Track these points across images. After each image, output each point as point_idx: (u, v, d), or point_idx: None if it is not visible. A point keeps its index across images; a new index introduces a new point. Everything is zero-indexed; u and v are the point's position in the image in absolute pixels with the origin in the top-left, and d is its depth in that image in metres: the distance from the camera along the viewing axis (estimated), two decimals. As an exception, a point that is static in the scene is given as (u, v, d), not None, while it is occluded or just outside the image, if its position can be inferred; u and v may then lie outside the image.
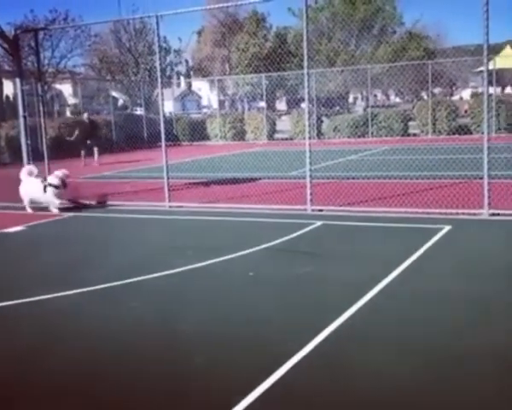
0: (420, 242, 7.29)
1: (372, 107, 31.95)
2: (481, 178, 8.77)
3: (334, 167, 15.97)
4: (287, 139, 28.15)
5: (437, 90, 35.89)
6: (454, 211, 8.92)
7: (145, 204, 11.16)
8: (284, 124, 32.27)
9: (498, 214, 8.61)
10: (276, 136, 30.21)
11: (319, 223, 8.82)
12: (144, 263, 7.13)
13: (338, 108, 31.67)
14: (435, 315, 4.99)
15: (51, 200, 10.83)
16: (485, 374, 3.92)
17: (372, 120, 26.57)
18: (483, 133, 8.94)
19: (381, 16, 36.27)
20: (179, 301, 5.71)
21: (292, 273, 6.42)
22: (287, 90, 33.81)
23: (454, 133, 24.58)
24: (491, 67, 28.13)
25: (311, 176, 9.79)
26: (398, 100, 49.91)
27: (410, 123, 27.20)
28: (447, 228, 8.02)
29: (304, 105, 9.75)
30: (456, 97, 42.05)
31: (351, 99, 43.27)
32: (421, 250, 6.97)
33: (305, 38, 9.69)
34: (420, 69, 26.56)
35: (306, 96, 9.95)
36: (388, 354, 4.31)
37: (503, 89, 42.78)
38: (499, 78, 29.85)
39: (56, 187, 10.81)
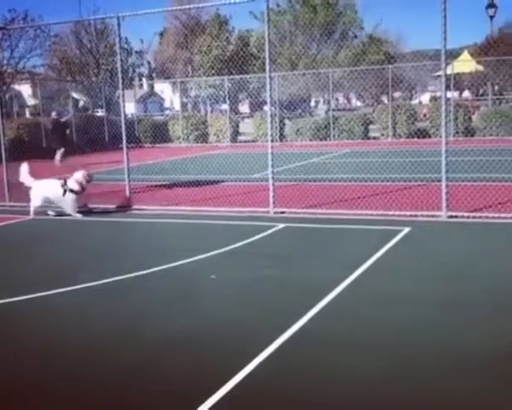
0: (380, 243, 7.40)
1: (334, 110, 32.28)
2: (439, 181, 8.95)
3: (296, 170, 16.08)
4: (250, 142, 28.21)
5: (397, 94, 36.46)
6: (413, 213, 9.08)
7: (106, 207, 11.03)
8: (247, 126, 32.34)
9: (456, 216, 8.79)
10: (240, 138, 30.26)
11: (281, 225, 8.87)
12: (90, 267, 7.06)
13: (300, 111, 31.90)
14: (394, 316, 5.08)
15: (70, 205, 10.33)
16: (437, 373, 4.01)
17: (334, 123, 26.86)
18: (441, 137, 9.11)
19: (342, 21, 36.67)
20: (139, 306, 5.67)
21: (254, 275, 6.44)
22: (249, 93, 33.88)
23: (413, 136, 25.01)
24: (449, 71, 28.78)
25: (273, 178, 9.85)
26: (359, 104, 50.51)
27: (371, 126, 27.60)
28: (407, 230, 8.16)
29: (267, 108, 9.81)
30: (415, 101, 42.81)
31: (313, 102, 43.59)
32: (381, 252, 7.07)
33: (266, 41, 9.75)
34: (380, 73, 27.00)
35: (268, 100, 10.01)
36: (349, 355, 4.37)
37: (461, 93, 43.74)
38: (457, 82, 30.54)
39: (77, 193, 10.35)
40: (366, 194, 10.76)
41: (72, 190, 10.31)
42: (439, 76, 29.70)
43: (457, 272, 6.28)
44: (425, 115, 28.31)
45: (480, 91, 38.31)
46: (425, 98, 49.53)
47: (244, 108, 45.64)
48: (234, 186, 13.08)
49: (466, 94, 43.85)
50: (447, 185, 8.78)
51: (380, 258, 6.85)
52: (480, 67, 29.44)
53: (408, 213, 9.10)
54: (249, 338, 4.72)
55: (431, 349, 4.36)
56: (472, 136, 24.48)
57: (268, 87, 9.91)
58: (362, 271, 6.34)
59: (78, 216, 10.31)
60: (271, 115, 10.09)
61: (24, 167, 10.70)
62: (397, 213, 9.16)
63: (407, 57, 38.70)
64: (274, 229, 8.68)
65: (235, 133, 29.90)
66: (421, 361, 4.18)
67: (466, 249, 7.23)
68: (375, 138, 26.96)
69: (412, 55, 37.75)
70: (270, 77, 9.87)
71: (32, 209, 10.48)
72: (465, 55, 32.54)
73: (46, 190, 10.44)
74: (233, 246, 7.64)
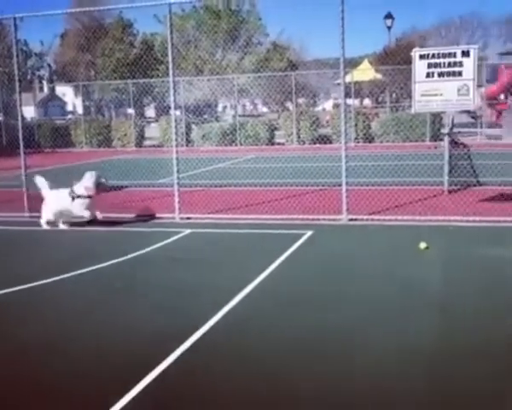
0: (284, 247, 7.56)
1: (240, 116, 32.55)
2: (340, 185, 9.26)
3: (202, 175, 16.08)
4: (156, 146, 27.90)
5: (301, 101, 37.33)
6: (316, 217, 9.34)
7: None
8: (153, 131, 31.95)
9: (356, 219, 9.13)
10: (146, 143, 29.85)
11: (188, 231, 8.85)
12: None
13: (207, 116, 31.93)
14: (300, 316, 5.21)
15: (79, 209, 9.41)
16: (333, 362, 4.16)
17: (240, 128, 27.10)
18: (341, 143, 9.42)
19: (246, 27, 37.07)
20: (42, 316, 5.48)
21: (160, 281, 6.39)
22: (153, 97, 33.52)
23: (316, 142, 25.68)
24: (349, 79, 29.82)
25: (178, 184, 9.81)
26: (265, 109, 51.26)
27: (276, 132, 28.09)
28: (309, 233, 8.38)
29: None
30: (319, 108, 43.98)
31: (220, 108, 43.75)
32: (285, 255, 7.23)
33: (169, 45, 9.72)
34: (284, 80, 27.51)
35: (172, 104, 9.95)
36: (250, 361, 4.43)
37: (362, 101, 45.40)
38: (357, 90, 31.68)
39: (80, 197, 9.42)
40: (271, 199, 10.94)
41: (79, 196, 9.52)
42: (340, 84, 30.85)
43: (358, 271, 6.51)
44: (327, 122, 29.15)
45: (379, 99, 39.95)
46: (329, 105, 50.97)
47: (150, 112, 45.09)
48: (138, 192, 12.90)
49: (366, 101, 45.56)
50: (347, 190, 9.09)
51: (283, 261, 7.00)
52: (379, 76, 30.72)
53: (311, 216, 9.35)
54: (155, 344, 4.68)
55: (337, 347, 4.51)
56: (370, 142, 25.50)
57: (172, 92, 9.86)
58: (267, 274, 6.45)
59: (86, 214, 9.39)
60: (176, 120, 10.03)
61: (40, 179, 9.91)
62: (300, 216, 9.38)
63: (310, 65, 39.79)
64: (180, 235, 8.64)
65: (141, 138, 29.48)
66: (331, 360, 4.31)
67: (365, 250, 7.51)
68: (280, 144, 27.44)
69: (314, 63, 38.84)
70: (174, 81, 9.83)
71: (42, 221, 9.67)
72: (365, 63, 33.82)
73: (56, 201, 9.63)
74: (139, 253, 7.54)
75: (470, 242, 7.71)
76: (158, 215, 9.96)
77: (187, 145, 26.54)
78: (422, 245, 7.32)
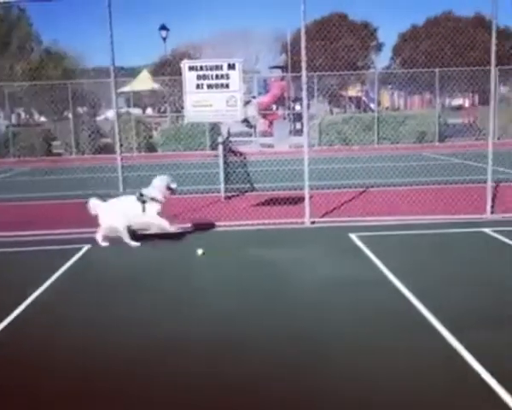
0: (58, 264, 7.25)
1: (14, 126, 30.52)
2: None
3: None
4: None
5: (82, 110, 36.17)
6: (93, 230, 9.06)
7: None
8: None
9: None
10: None
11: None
12: None
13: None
14: (75, 336, 5.03)
15: (156, 220, 8.09)
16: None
17: (13, 139, 25.39)
18: (117, 153, 9.31)
19: (16, 34, 34.87)
20: None
21: None
22: None
23: (99, 152, 25.09)
24: (128, 89, 29.65)
25: None
26: (43, 119, 48.66)
27: (54, 143, 26.88)
28: (86, 247, 8.15)
29: None
30: (101, 117, 42.97)
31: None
32: (60, 272, 6.94)
33: None
34: (61, 89, 26.39)
35: None
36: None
37: (144, 110, 45.43)
38: (139, 99, 31.64)
39: (154, 200, 8.13)
40: (49, 214, 10.41)
41: (152, 199, 8.13)
42: (123, 93, 30.51)
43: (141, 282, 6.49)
44: (110, 131, 28.64)
45: (162, 109, 40.34)
46: (111, 114, 50.00)
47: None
48: None
49: (149, 111, 45.69)
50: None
51: (58, 278, 6.72)
52: (157, 86, 31.02)
53: (88, 230, 9.08)
54: None
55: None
56: (152, 151, 25.67)
57: None
58: (38, 293, 6.12)
59: (173, 229, 8.20)
60: None
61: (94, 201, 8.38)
62: (78, 230, 9.07)
63: (90, 73, 38.69)
64: None
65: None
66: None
67: (138, 262, 7.50)
68: (59, 155, 26.33)
69: (94, 72, 37.84)
70: None
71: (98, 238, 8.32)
72: (144, 73, 33.92)
73: (119, 211, 8.16)
74: None
75: (244, 244, 8.12)
76: None
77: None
78: (199, 251, 7.56)
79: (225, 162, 12.90)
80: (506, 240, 7.79)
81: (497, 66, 9.13)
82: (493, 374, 4.01)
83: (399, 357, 4.39)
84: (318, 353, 4.51)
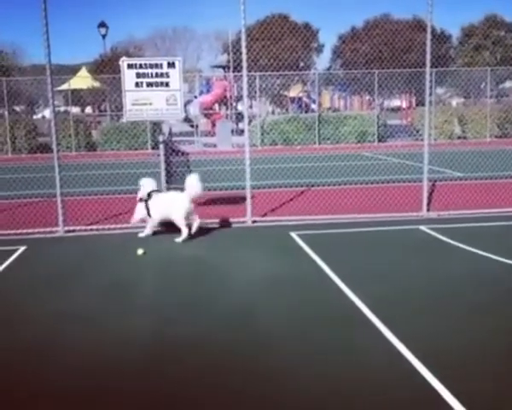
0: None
1: None
2: (55, 197, 8.91)
3: None
4: None
5: (19, 108, 35.15)
6: (30, 230, 8.86)
7: None
8: None
9: (74, 230, 8.89)
10: None
11: None
12: None
13: None
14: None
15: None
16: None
17: None
18: (59, 151, 9.09)
19: None
20: None
21: None
22: None
23: (35, 152, 24.47)
24: (66, 87, 28.99)
25: None
26: (-24, 117, 47.04)
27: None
28: (23, 248, 7.92)
29: None
30: (38, 116, 41.85)
31: None
32: (-6, 274, 6.73)
33: None
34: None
35: None
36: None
37: (84, 109, 44.49)
38: (78, 98, 30.94)
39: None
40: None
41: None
42: (62, 91, 29.77)
43: (74, 282, 6.34)
44: (48, 130, 27.97)
45: (102, 107, 39.60)
46: (48, 113, 48.81)
47: None
48: None
49: (88, 109, 44.78)
50: (62, 200, 8.78)
51: (-9, 281, 6.50)
52: (96, 84, 30.44)
53: (25, 230, 8.84)
54: None
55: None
56: (93, 150, 25.20)
57: None
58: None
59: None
60: None
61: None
62: (13, 231, 8.81)
63: (27, 70, 37.59)
64: None
65: None
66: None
67: (83, 259, 7.34)
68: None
69: (32, 69, 36.77)
70: None
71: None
72: (83, 71, 33.26)
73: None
74: None
75: (183, 243, 8.06)
76: None
77: None
78: (140, 251, 7.48)
79: (167, 162, 12.77)
80: (440, 237, 8.03)
81: (432, 67, 9.39)
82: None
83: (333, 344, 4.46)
84: (251, 352, 4.53)
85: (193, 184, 8.22)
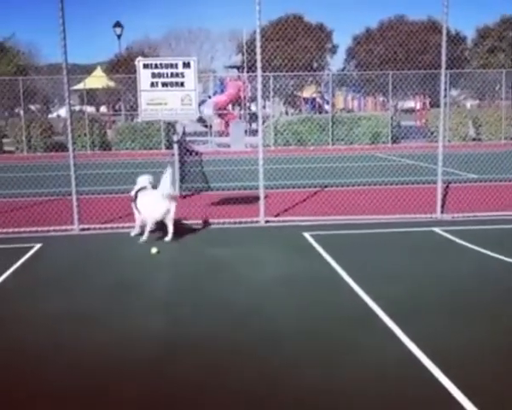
0: (9, 263, 7.09)
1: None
2: (70, 195, 8.99)
3: None
4: None
5: (34, 107, 35.43)
6: (45, 228, 8.94)
7: None
8: None
9: (89, 229, 8.97)
10: None
11: None
12: None
13: None
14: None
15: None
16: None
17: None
18: (70, 150, 9.15)
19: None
20: None
21: None
22: None
23: (51, 150, 24.69)
24: (81, 86, 29.16)
25: None
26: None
27: (5, 140, 26.33)
28: (38, 246, 8.00)
29: None
30: (53, 115, 42.16)
31: None
32: (10, 271, 6.80)
33: None
34: (13, 85, 25.79)
35: None
36: None
37: (98, 108, 44.76)
38: (93, 97, 31.18)
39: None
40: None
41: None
42: (77, 90, 29.97)
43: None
44: (63, 129, 28.22)
45: (116, 107, 39.82)
46: (63, 112, 49.03)
47: None
48: None
49: (103, 109, 45.05)
50: (78, 199, 8.86)
51: (8, 277, 6.57)
52: (112, 83, 30.61)
53: (40, 228, 8.92)
54: None
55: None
56: (108, 150, 25.35)
57: None
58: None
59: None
60: None
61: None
62: (28, 229, 8.90)
63: (43, 69, 37.88)
64: None
65: None
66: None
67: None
68: (9, 152, 25.82)
69: (48, 68, 37.04)
70: None
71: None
72: (98, 70, 33.47)
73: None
74: None
75: (198, 242, 8.11)
76: None
77: None
78: (154, 250, 7.52)
79: (181, 161, 12.86)
80: (455, 239, 8.01)
81: (447, 69, 9.36)
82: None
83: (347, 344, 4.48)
84: (268, 349, 4.55)
85: (165, 183, 7.96)
